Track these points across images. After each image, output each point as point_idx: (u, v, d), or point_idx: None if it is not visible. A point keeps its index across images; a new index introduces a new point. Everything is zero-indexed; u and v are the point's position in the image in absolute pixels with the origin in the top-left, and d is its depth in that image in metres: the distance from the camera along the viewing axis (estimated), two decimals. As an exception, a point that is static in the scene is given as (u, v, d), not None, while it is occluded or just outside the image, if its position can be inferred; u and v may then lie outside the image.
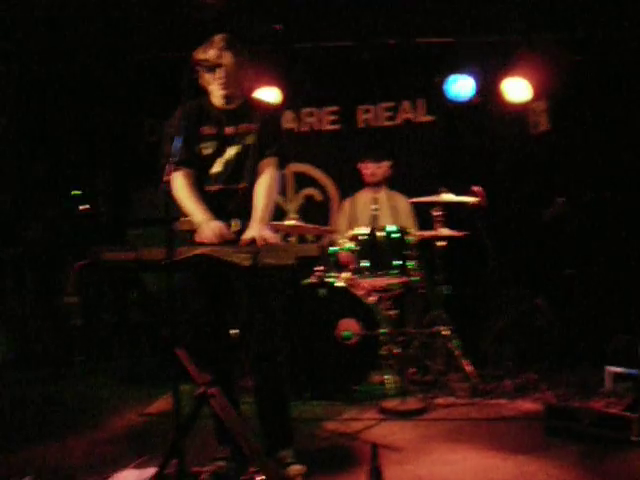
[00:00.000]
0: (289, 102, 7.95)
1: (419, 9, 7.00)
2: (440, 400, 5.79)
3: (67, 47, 7.28)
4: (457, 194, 6.40)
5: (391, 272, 6.07)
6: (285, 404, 4.38)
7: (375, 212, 6.35)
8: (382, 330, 5.96)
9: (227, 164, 4.24)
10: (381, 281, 6.14)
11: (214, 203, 4.21)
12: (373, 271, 6.08)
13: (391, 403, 5.59)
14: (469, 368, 6.22)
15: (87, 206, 8.04)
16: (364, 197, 7.21)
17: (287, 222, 6.47)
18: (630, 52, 7.05)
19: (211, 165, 4.25)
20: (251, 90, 4.80)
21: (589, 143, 7.34)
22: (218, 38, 4.19)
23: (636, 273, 6.74)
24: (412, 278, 6.20)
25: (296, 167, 8.16)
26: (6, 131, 7.57)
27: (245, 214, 4.12)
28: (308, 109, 8.28)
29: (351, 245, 6.21)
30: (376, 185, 7.18)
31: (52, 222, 7.83)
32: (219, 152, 4.25)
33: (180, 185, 4.18)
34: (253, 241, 3.84)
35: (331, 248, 6.67)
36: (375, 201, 6.69)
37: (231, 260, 3.40)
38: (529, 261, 7.41)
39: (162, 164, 3.80)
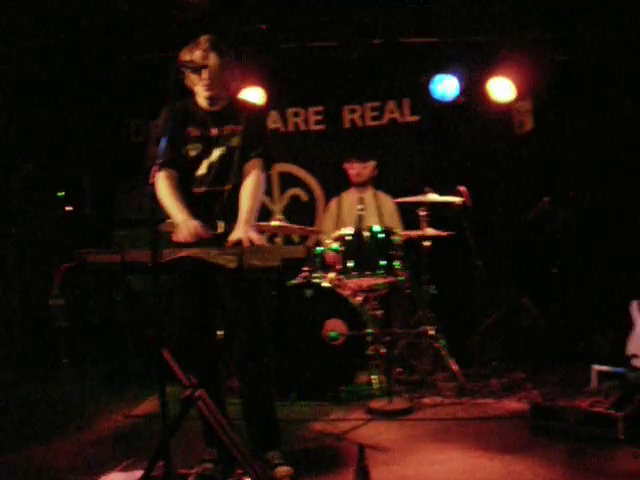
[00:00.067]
0: (274, 102, 7.96)
1: (404, 9, 7.00)
2: (427, 400, 5.80)
3: (51, 48, 7.24)
4: (442, 194, 6.41)
5: (377, 272, 6.08)
6: (272, 405, 4.38)
7: (361, 212, 6.35)
8: (368, 330, 5.96)
9: (212, 166, 4.24)
10: (367, 281, 6.15)
11: (200, 205, 4.21)
12: (359, 271, 6.09)
13: (378, 403, 5.59)
14: (455, 368, 6.23)
15: (70, 208, 8.00)
16: (350, 197, 7.22)
17: (273, 223, 6.47)
18: (614, 52, 7.07)
19: (197, 167, 4.25)
20: (237, 91, 4.79)
21: (573, 143, 7.36)
22: (203, 39, 4.18)
23: (621, 272, 6.77)
24: (398, 278, 6.21)
25: (281, 167, 8.15)
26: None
27: (231, 216, 4.12)
28: (293, 109, 8.27)
29: (337, 245, 6.22)
30: (362, 185, 7.19)
31: (37, 223, 7.79)
32: (205, 154, 4.25)
33: (162, 186, 4.16)
34: (239, 243, 3.84)
35: (317, 248, 6.67)
36: (361, 201, 6.69)
37: (217, 262, 3.39)
38: (514, 260, 7.43)
39: (147, 166, 3.79)
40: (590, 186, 7.15)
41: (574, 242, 7.00)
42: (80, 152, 8.21)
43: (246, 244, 3.81)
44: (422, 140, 8.05)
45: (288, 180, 8.27)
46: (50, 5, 6.66)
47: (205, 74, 4.15)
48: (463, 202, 6.47)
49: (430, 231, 6.44)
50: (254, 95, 7.48)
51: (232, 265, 3.37)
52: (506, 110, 7.68)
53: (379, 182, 7.34)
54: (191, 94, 4.33)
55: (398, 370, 6.40)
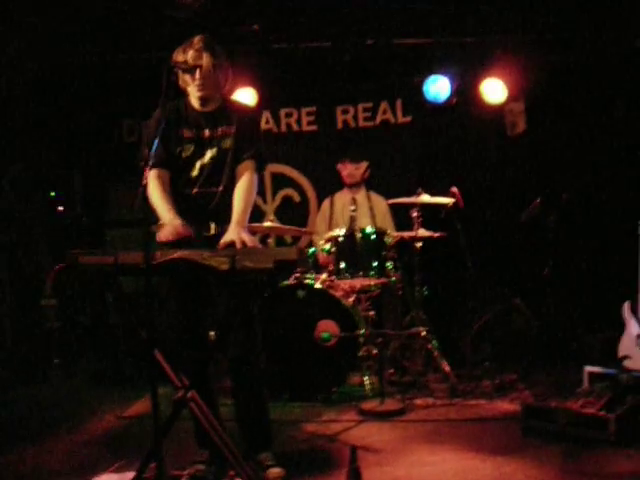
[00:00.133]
0: (267, 103, 7.96)
1: (397, 10, 7.00)
2: (419, 401, 5.81)
3: (45, 47, 7.23)
4: (435, 195, 6.41)
5: (369, 273, 6.09)
6: (264, 406, 4.38)
7: (353, 213, 6.35)
8: (361, 331, 5.96)
9: (205, 167, 4.24)
10: (359, 282, 6.16)
11: (192, 206, 4.21)
12: (351, 272, 6.10)
13: (370, 404, 5.59)
14: (447, 369, 6.24)
15: (61, 208, 7.98)
16: (342, 198, 7.23)
17: (265, 223, 6.47)
18: (607, 53, 7.09)
19: (190, 168, 4.25)
20: (230, 92, 4.78)
21: (566, 144, 7.38)
22: (197, 39, 4.17)
23: (613, 273, 6.78)
24: (390, 279, 6.22)
25: (274, 168, 8.14)
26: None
27: (223, 217, 4.12)
28: (286, 109, 8.26)
29: (329, 246, 6.23)
30: (354, 186, 7.20)
31: (28, 224, 7.77)
32: (198, 155, 4.25)
33: (151, 186, 4.14)
34: (231, 244, 3.84)
35: (309, 249, 6.68)
36: (353, 202, 6.69)
37: (209, 264, 3.39)
38: (506, 261, 7.44)
39: (140, 167, 3.78)
40: (582, 187, 7.16)
41: (566, 243, 7.02)
42: (72, 152, 8.19)
43: (238, 246, 3.80)
44: (415, 141, 8.05)
45: (281, 181, 8.27)
46: (42, 4, 6.64)
47: (198, 74, 4.15)
48: (455, 203, 6.48)
49: (422, 232, 6.44)
50: (246, 96, 7.48)
51: (224, 267, 3.37)
52: (499, 111, 7.70)
53: (372, 183, 7.35)
54: (184, 95, 4.33)
55: (390, 371, 6.41)
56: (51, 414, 5.92)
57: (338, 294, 6.12)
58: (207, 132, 4.27)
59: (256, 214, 4.53)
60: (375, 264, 6.11)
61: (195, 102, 4.30)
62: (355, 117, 8.16)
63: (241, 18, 7.07)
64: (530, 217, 6.82)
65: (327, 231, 6.82)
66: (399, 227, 6.99)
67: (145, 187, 3.46)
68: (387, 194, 7.06)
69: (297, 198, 8.27)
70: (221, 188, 4.22)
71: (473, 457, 4.50)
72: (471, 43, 7.40)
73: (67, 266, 3.64)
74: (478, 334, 6.69)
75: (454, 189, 6.54)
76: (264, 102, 7.81)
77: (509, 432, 4.93)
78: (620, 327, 5.43)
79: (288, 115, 8.25)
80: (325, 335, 5.89)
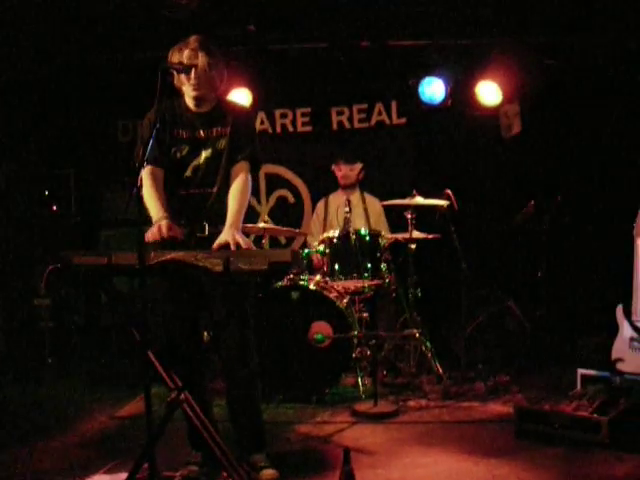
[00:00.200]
0: (262, 103, 7.95)
1: (393, 11, 7.00)
2: (412, 403, 5.81)
3: (39, 47, 7.21)
4: (429, 197, 6.41)
5: (363, 275, 6.10)
6: (257, 408, 4.38)
7: (347, 214, 6.35)
8: (354, 333, 5.95)
9: (199, 168, 4.24)
10: (353, 284, 6.17)
11: (187, 207, 4.21)
12: (345, 274, 6.11)
13: (363, 406, 5.59)
14: (441, 371, 6.25)
15: (55, 207, 7.97)
16: (337, 199, 7.23)
17: (259, 224, 6.47)
18: (601, 56, 7.10)
19: (184, 169, 4.24)
20: (225, 93, 4.79)
21: (561, 146, 7.39)
22: (192, 39, 4.17)
23: (607, 275, 6.79)
24: (384, 281, 6.23)
25: (269, 169, 8.15)
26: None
27: (217, 218, 4.12)
28: (281, 110, 8.26)
29: (323, 248, 6.23)
30: (349, 187, 7.21)
31: (22, 223, 7.76)
32: (193, 156, 4.24)
33: (145, 184, 4.13)
34: (226, 246, 3.84)
35: (304, 251, 6.67)
36: (348, 203, 6.69)
37: (203, 265, 3.38)
38: (500, 263, 7.45)
39: (135, 167, 3.77)
40: (576, 190, 7.17)
41: (560, 246, 7.03)
42: (66, 151, 8.18)
43: (233, 247, 3.80)
44: (410, 142, 8.06)
45: (275, 181, 8.27)
46: (36, 5, 6.63)
47: (193, 74, 4.14)
48: (449, 205, 6.48)
49: (416, 234, 6.44)
50: (241, 96, 7.47)
51: (218, 268, 3.36)
52: (494, 113, 7.71)
53: (366, 184, 7.35)
54: (180, 95, 4.33)
55: (384, 373, 6.41)
56: (44, 414, 5.90)
57: (332, 295, 6.11)
58: (202, 133, 4.26)
59: (250, 215, 4.53)
60: (369, 266, 6.12)
61: (190, 102, 4.29)
62: (350, 118, 8.16)
63: (236, 19, 7.06)
64: (524, 219, 6.83)
65: (321, 232, 6.84)
66: (393, 229, 7.01)
67: (139, 188, 3.46)
68: (381, 196, 7.07)
69: (291, 199, 8.27)
70: (215, 189, 4.22)
71: (466, 459, 4.50)
72: (466, 45, 7.40)
73: (61, 266, 3.62)
74: (471, 336, 6.69)
75: (448, 191, 6.54)
76: (259, 103, 7.81)
77: (502, 434, 4.93)
78: (613, 330, 5.43)
79: (283, 116, 8.25)
80: (319, 336, 5.88)
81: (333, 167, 7.29)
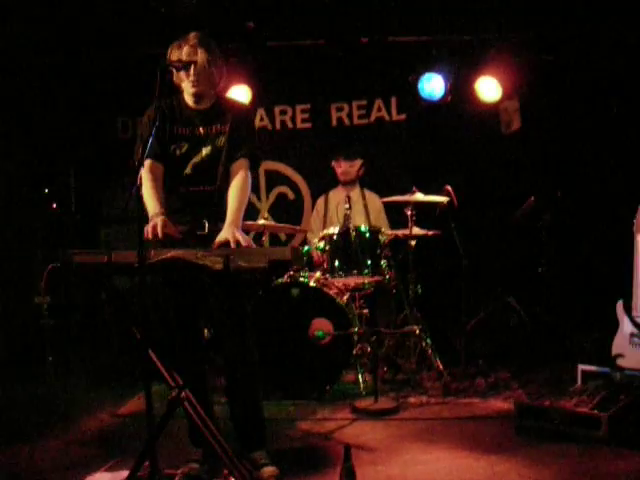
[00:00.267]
0: (261, 100, 7.95)
1: (392, 7, 7.00)
2: (412, 399, 5.81)
3: (40, 43, 7.21)
4: (429, 193, 6.41)
5: (363, 271, 6.10)
6: (258, 404, 4.37)
7: (347, 211, 6.34)
8: (354, 329, 5.95)
9: (199, 165, 4.23)
10: (353, 280, 6.17)
11: (186, 205, 4.21)
12: (345, 270, 6.11)
13: (364, 403, 5.59)
14: (441, 367, 6.25)
15: (55, 205, 7.97)
16: (337, 195, 7.23)
17: (259, 221, 6.47)
18: (600, 51, 7.09)
19: (184, 166, 4.24)
20: (224, 90, 4.79)
21: (560, 142, 7.39)
22: (192, 35, 4.17)
23: (607, 271, 6.79)
24: (384, 277, 6.23)
25: (268, 165, 8.14)
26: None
27: (217, 216, 4.12)
28: (281, 107, 8.26)
29: (323, 244, 6.23)
30: (349, 183, 7.21)
31: (22, 221, 7.75)
32: (192, 153, 4.24)
33: (144, 179, 4.11)
34: (226, 244, 3.84)
35: (304, 247, 6.68)
36: (348, 200, 6.69)
37: (203, 263, 3.39)
38: (500, 260, 7.45)
39: (134, 166, 3.77)
40: (576, 186, 7.16)
41: (560, 241, 7.03)
42: (66, 149, 8.17)
43: (233, 245, 3.80)
44: (409, 139, 8.05)
45: (275, 178, 8.27)
46: (35, 1, 6.63)
47: (192, 70, 4.14)
48: (449, 201, 6.48)
49: (416, 230, 6.45)
50: (241, 93, 7.46)
51: (218, 266, 3.37)
52: (493, 109, 7.70)
53: (366, 181, 7.35)
54: (179, 91, 4.32)
55: (384, 369, 6.41)
56: (44, 412, 5.90)
57: (332, 292, 6.11)
58: (201, 130, 4.26)
59: (250, 212, 4.53)
60: (369, 262, 6.12)
61: (189, 99, 4.29)
62: (349, 115, 8.16)
63: (235, 15, 7.06)
64: (524, 215, 6.83)
65: (321, 229, 6.84)
66: (393, 225, 7.01)
67: (139, 187, 3.46)
68: (381, 192, 7.07)
69: (291, 196, 8.26)
70: (215, 187, 4.22)
71: (466, 456, 4.50)
72: (466, 41, 7.40)
73: (61, 265, 3.62)
74: (472, 332, 6.71)
75: (448, 187, 6.55)
76: (258, 99, 7.81)
77: (502, 431, 4.93)
78: (614, 326, 5.44)
79: (282, 112, 8.25)
80: (319, 333, 5.89)
81: (333, 163, 7.29)
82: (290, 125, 8.25)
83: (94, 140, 8.21)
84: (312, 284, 6.09)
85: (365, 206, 7.14)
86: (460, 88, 7.57)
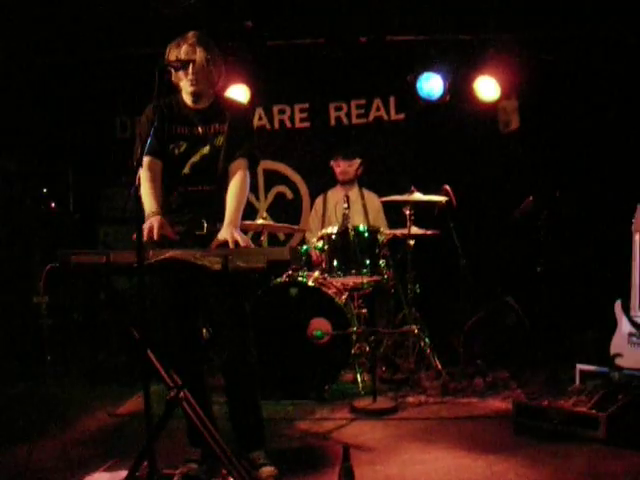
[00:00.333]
0: (260, 99, 7.94)
1: (391, 6, 7.00)
2: (411, 399, 5.81)
3: (37, 43, 7.21)
4: (428, 193, 6.41)
5: (362, 271, 6.10)
6: (257, 405, 4.37)
7: (346, 211, 6.34)
8: (353, 329, 5.96)
9: (197, 165, 4.23)
10: (352, 280, 6.17)
11: (185, 204, 4.21)
12: (344, 270, 6.11)
13: (362, 402, 5.60)
14: (440, 366, 6.25)
15: (53, 204, 7.96)
16: (336, 195, 7.23)
17: (258, 221, 6.47)
18: (599, 51, 7.10)
19: (183, 166, 4.23)
20: (222, 89, 4.79)
21: (559, 142, 7.38)
22: (190, 34, 4.17)
23: (606, 271, 6.79)
24: (383, 277, 6.23)
25: (267, 165, 8.14)
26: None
27: (215, 216, 4.12)
28: (279, 106, 8.25)
29: (322, 244, 6.23)
30: (348, 183, 7.21)
31: (20, 220, 7.75)
32: (191, 152, 4.24)
33: (143, 177, 4.11)
34: (224, 244, 3.83)
35: (302, 247, 6.68)
36: (347, 199, 6.70)
37: (202, 263, 3.38)
38: (499, 259, 7.45)
39: (133, 167, 3.77)
40: (575, 185, 7.16)
41: (558, 241, 7.02)
42: (64, 148, 8.17)
43: (231, 245, 3.80)
44: (408, 138, 8.05)
45: (273, 178, 8.27)
46: (33, 1, 6.63)
47: (191, 69, 4.14)
48: (448, 201, 6.48)
49: (415, 230, 6.45)
50: (239, 92, 7.46)
51: (217, 266, 3.36)
52: (492, 109, 7.70)
53: (365, 180, 7.35)
54: (178, 91, 4.32)
55: (382, 369, 6.42)
56: (43, 411, 5.89)
57: (331, 292, 6.12)
58: (200, 129, 4.26)
59: (249, 211, 4.53)
60: (368, 262, 6.13)
61: (188, 98, 4.29)
62: (348, 114, 8.16)
63: (234, 14, 7.06)
64: (522, 215, 6.83)
65: (320, 228, 6.84)
66: (392, 225, 7.01)
67: (138, 187, 3.46)
68: (380, 191, 7.07)
69: (290, 195, 8.26)
70: (214, 186, 4.21)
71: (465, 455, 4.51)
72: (464, 41, 7.40)
73: (60, 265, 3.62)
74: (470, 332, 6.70)
75: (447, 187, 6.55)
76: (257, 99, 7.80)
77: (501, 430, 4.94)
78: (612, 325, 5.44)
79: (281, 112, 8.25)
80: (318, 333, 5.88)
81: (331, 163, 7.28)
82: (289, 124, 8.25)
83: (93, 140, 8.20)
84: (311, 284, 6.08)
85: (364, 206, 7.14)
86: (459, 88, 7.56)
